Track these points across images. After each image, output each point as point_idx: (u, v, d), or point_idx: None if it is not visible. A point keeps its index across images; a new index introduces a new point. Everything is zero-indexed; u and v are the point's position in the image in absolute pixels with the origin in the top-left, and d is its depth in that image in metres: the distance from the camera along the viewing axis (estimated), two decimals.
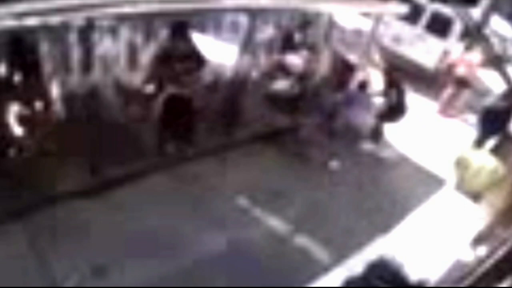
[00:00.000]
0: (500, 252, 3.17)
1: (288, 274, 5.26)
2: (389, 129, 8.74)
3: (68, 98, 5.79)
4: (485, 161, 7.31)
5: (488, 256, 3.32)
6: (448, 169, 7.81)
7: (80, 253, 4.88)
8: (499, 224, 5.84)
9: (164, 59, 6.49)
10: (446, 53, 11.62)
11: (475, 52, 10.39)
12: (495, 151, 7.59)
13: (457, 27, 11.37)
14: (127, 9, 4.99)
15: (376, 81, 8.65)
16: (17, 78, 5.45)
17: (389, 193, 7.24)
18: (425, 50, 11.80)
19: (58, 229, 5.07)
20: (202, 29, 7.68)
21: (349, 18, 9.58)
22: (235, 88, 7.18)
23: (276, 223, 6.08)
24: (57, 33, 5.28)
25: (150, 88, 6.61)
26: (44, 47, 5.43)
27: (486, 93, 10.04)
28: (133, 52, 6.61)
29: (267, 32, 8.26)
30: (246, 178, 6.71)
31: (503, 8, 12.37)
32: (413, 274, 4.91)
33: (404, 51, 12.04)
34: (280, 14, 8.23)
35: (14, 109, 5.41)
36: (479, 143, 8.23)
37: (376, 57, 9.10)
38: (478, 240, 5.62)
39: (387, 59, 9.22)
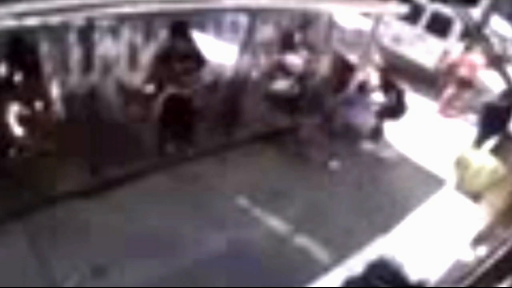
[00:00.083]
0: (500, 252, 3.17)
1: (288, 274, 5.26)
2: (389, 129, 8.74)
3: (68, 98, 5.79)
4: (485, 161, 7.31)
5: (488, 256, 3.32)
6: (448, 169, 7.82)
7: (80, 253, 4.88)
8: (499, 224, 5.83)
9: (164, 59, 6.48)
10: (446, 53, 11.63)
11: (477, 53, 10.38)
12: (495, 151, 7.58)
13: (457, 27, 11.37)
14: (127, 9, 4.98)
15: (376, 81, 8.64)
16: (17, 78, 5.45)
17: (389, 193, 7.24)
18: (425, 50, 11.80)
19: (58, 229, 5.07)
20: (202, 29, 7.67)
21: (349, 18, 9.57)
22: (235, 88, 7.18)
23: (276, 223, 6.08)
24: (57, 33, 5.28)
25: (150, 88, 6.61)
26: (44, 47, 5.43)
27: (486, 93, 10.03)
28: (133, 52, 6.60)
29: (267, 32, 8.25)
30: (246, 178, 6.71)
31: (503, 8, 12.37)
32: (413, 274, 4.91)
33: (404, 51, 12.05)
34: (280, 14, 8.22)
35: (14, 109, 5.41)
36: (479, 143, 8.23)
37: (376, 57, 9.10)
38: (478, 240, 5.62)
39: (387, 59, 9.22)
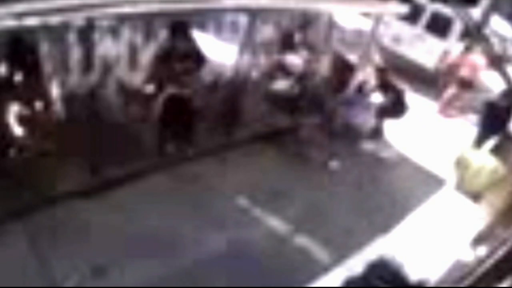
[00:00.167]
0: (500, 252, 3.17)
1: (288, 274, 5.25)
2: (389, 129, 8.74)
3: (68, 98, 5.79)
4: (485, 161, 7.31)
5: (488, 256, 3.31)
6: (448, 169, 7.81)
7: (80, 253, 4.88)
8: (499, 224, 5.83)
9: (164, 59, 6.48)
10: (446, 53, 11.62)
11: (478, 53, 10.38)
12: (495, 151, 7.58)
13: (457, 27, 11.37)
14: (127, 9, 4.98)
15: (375, 81, 8.65)
16: (17, 78, 5.45)
17: (389, 193, 7.24)
18: (425, 50, 11.80)
19: (58, 229, 5.07)
20: (202, 29, 7.68)
21: (349, 18, 9.57)
22: (235, 88, 7.18)
23: (276, 223, 6.08)
24: (57, 33, 5.28)
25: (150, 88, 6.61)
26: (44, 47, 5.43)
27: (486, 93, 10.03)
28: (133, 52, 6.60)
29: (267, 32, 8.26)
30: (246, 178, 6.71)
31: (503, 8, 12.37)
32: (413, 274, 4.90)
33: (404, 51, 12.05)
34: (280, 14, 8.23)
35: (14, 109, 5.42)
36: (479, 143, 8.23)
37: (376, 57, 9.10)
38: (478, 240, 5.61)
39: (387, 59, 9.22)
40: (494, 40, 10.82)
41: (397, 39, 12.05)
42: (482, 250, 4.77)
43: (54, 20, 4.43)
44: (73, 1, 4.58)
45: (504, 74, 7.88)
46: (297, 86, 8.42)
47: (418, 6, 11.35)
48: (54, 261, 4.73)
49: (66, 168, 5.58)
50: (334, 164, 7.62)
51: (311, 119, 8.42)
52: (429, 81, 11.35)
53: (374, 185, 7.41)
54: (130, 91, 6.61)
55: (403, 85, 8.51)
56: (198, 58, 6.79)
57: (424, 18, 11.82)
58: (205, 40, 7.43)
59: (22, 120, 5.43)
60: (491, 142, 7.92)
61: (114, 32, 6.03)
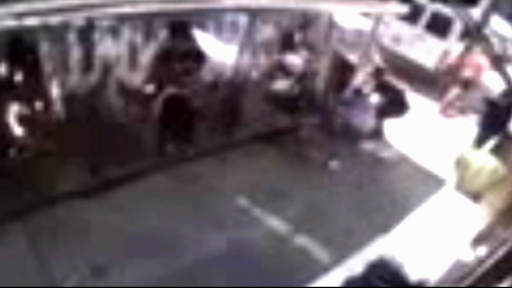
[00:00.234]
0: (500, 252, 3.17)
1: (288, 274, 5.25)
2: (389, 129, 8.74)
3: (68, 98, 5.79)
4: (485, 161, 7.31)
5: (488, 256, 3.32)
6: (448, 169, 7.81)
7: (80, 253, 4.88)
8: (499, 224, 5.83)
9: (164, 59, 6.48)
10: (446, 53, 11.62)
11: (480, 54, 10.39)
12: (495, 151, 7.59)
13: (457, 27, 11.36)
14: (127, 9, 4.99)
15: (373, 82, 8.66)
16: (17, 78, 5.45)
17: (389, 193, 7.24)
18: (425, 50, 11.79)
19: (58, 229, 5.07)
20: (202, 29, 7.68)
21: (349, 18, 9.57)
22: (235, 88, 7.18)
23: (276, 223, 6.08)
24: (57, 33, 5.28)
25: (150, 88, 6.61)
26: (44, 47, 5.43)
27: (486, 93, 10.03)
28: (133, 52, 6.60)
29: (267, 32, 8.26)
30: (246, 178, 6.71)
31: (503, 8, 12.36)
32: (413, 274, 4.90)
33: (404, 51, 12.04)
34: (280, 14, 8.23)
35: (14, 109, 5.42)
36: (479, 143, 8.23)
37: (376, 57, 9.10)
38: (478, 240, 5.61)
39: (387, 59, 9.22)
40: (494, 40, 10.82)
41: (397, 39, 12.04)
42: (482, 250, 4.77)
43: (54, 20, 4.44)
44: (73, 1, 4.58)
45: (504, 74, 7.89)
46: (297, 86, 8.42)
47: (418, 6, 11.35)
48: (54, 261, 4.73)
49: (66, 168, 5.58)
50: (334, 164, 7.62)
51: (311, 119, 8.42)
52: (429, 81, 11.34)
53: (374, 185, 7.41)
54: (130, 91, 6.61)
55: (403, 85, 8.51)
56: (198, 58, 6.79)
57: (424, 18, 11.82)
58: (205, 40, 7.43)
59: (22, 120, 5.43)
60: (491, 142, 7.93)
61: (114, 32, 6.02)
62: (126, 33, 6.35)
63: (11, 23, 4.17)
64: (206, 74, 7.35)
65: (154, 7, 5.19)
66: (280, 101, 8.28)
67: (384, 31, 10.66)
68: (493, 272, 3.08)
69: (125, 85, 6.61)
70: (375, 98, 8.31)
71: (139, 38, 6.62)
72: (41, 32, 5.02)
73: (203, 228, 5.62)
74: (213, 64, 7.37)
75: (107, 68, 6.03)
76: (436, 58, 11.73)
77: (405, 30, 11.99)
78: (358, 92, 8.56)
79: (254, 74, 7.94)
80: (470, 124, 9.85)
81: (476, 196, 7.17)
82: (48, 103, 5.64)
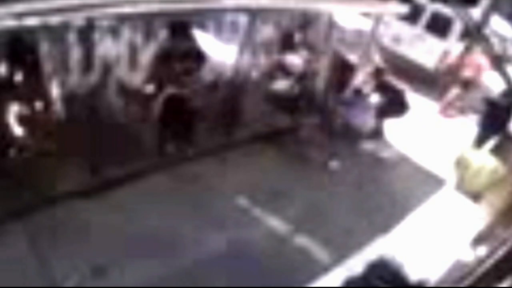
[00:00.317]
0: (500, 252, 3.17)
1: (288, 274, 5.26)
2: (389, 129, 8.74)
3: (68, 98, 5.79)
4: (485, 161, 7.31)
5: (488, 256, 3.32)
6: (448, 169, 7.81)
7: (80, 253, 4.88)
8: (499, 224, 5.83)
9: (164, 59, 6.48)
10: (446, 53, 11.62)
11: (481, 54, 10.40)
12: (495, 151, 7.59)
13: (457, 27, 11.37)
14: (127, 9, 4.98)
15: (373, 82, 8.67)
16: (17, 78, 5.44)
17: (389, 193, 7.24)
18: (425, 50, 11.80)
19: (58, 229, 5.07)
20: (202, 29, 7.68)
21: (349, 18, 9.57)
22: (235, 88, 7.18)
23: (276, 223, 6.08)
24: (57, 33, 5.28)
25: (150, 88, 6.61)
26: (44, 47, 5.43)
27: (487, 93, 10.04)
28: (133, 52, 6.61)
29: (267, 32, 8.26)
30: (246, 178, 6.71)
31: (503, 8, 12.36)
32: (413, 274, 4.90)
33: (404, 51, 12.04)
34: (280, 14, 8.23)
35: (14, 109, 5.41)
36: (479, 143, 8.23)
37: (376, 57, 9.10)
38: (478, 240, 5.61)
39: (387, 59, 9.22)
40: (494, 40, 10.82)
41: (397, 39, 12.05)
42: (482, 250, 4.77)
43: (54, 20, 4.43)
44: (73, 1, 4.58)
45: (504, 74, 7.89)
46: (297, 86, 8.42)
47: (418, 6, 11.35)
48: (54, 261, 4.73)
49: (66, 168, 5.58)
50: (334, 164, 7.62)
51: (311, 119, 8.42)
52: (429, 81, 11.35)
53: (374, 185, 7.42)
54: (130, 91, 6.61)
55: (403, 85, 8.52)
56: (198, 58, 6.79)
57: (424, 18, 11.82)
58: (205, 40, 7.43)
59: (22, 120, 5.43)
60: (491, 142, 7.93)
61: (114, 32, 6.03)
62: (126, 33, 6.36)
63: (11, 23, 4.17)
64: (206, 74, 7.34)
65: (154, 7, 5.19)
66: (280, 101, 8.28)
67: (384, 31, 10.66)
68: (493, 272, 3.08)
69: (125, 85, 6.61)
70: (375, 98, 8.31)
71: (139, 38, 6.62)
72: (41, 32, 5.02)
73: (203, 228, 5.62)
74: (213, 64, 7.37)
75: (107, 68, 6.04)
76: (436, 58, 11.73)
77: (405, 30, 12.00)
78: (358, 92, 8.57)
79: (254, 74, 7.94)
80: (470, 124, 9.86)
81: (476, 196, 7.17)
82: (48, 103, 5.64)
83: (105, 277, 4.73)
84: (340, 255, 5.68)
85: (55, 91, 5.78)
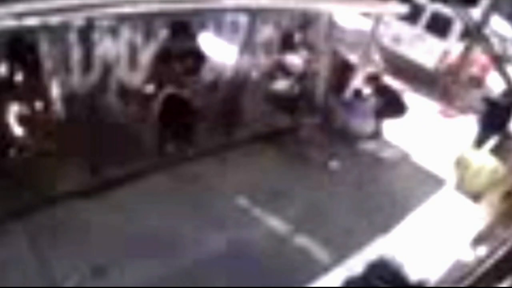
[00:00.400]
0: (500, 252, 3.17)
1: (288, 274, 5.25)
2: (389, 129, 8.74)
3: (68, 98, 5.79)
4: (485, 161, 7.31)
5: (488, 256, 3.32)
6: (448, 169, 7.81)
7: (80, 253, 4.88)
8: (499, 224, 5.83)
9: (164, 59, 6.48)
10: (446, 53, 11.63)
11: (483, 54, 10.42)
12: (495, 151, 7.58)
13: (457, 27, 11.37)
14: (127, 9, 4.99)
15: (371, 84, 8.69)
16: (17, 78, 5.44)
17: (389, 193, 7.24)
18: (425, 50, 11.80)
19: (58, 229, 5.07)
20: (202, 29, 7.67)
21: (349, 18, 9.58)
22: (235, 88, 7.18)
23: (276, 223, 6.08)
24: (57, 33, 5.28)
25: (150, 88, 6.61)
26: (44, 47, 5.43)
27: (486, 92, 10.05)
28: (133, 52, 6.60)
29: (267, 32, 8.26)
30: (246, 178, 6.71)
31: (503, 8, 12.36)
32: (413, 274, 4.90)
33: (404, 51, 12.05)
34: (280, 14, 8.23)
35: (14, 109, 5.41)
36: (479, 143, 8.23)
37: (376, 57, 9.11)
38: (478, 240, 5.61)
39: (387, 59, 9.23)
40: (494, 40, 10.83)
41: (397, 39, 12.05)
42: (482, 250, 4.78)
43: (54, 20, 4.43)
44: (73, 1, 4.58)
45: (504, 74, 7.89)
46: (297, 86, 8.42)
47: (418, 6, 11.36)
48: (54, 261, 4.73)
49: (66, 168, 5.58)
50: (334, 164, 7.61)
51: (311, 119, 8.42)
52: (429, 81, 11.35)
53: (374, 185, 7.41)
54: (130, 91, 6.61)
55: (401, 86, 8.53)
56: (198, 58, 6.79)
57: (424, 18, 11.83)
58: (205, 40, 7.43)
59: (22, 120, 5.43)
60: (491, 142, 7.93)
61: (114, 32, 6.03)
62: (126, 33, 6.35)
63: (11, 23, 4.17)
64: (206, 74, 7.34)
65: (154, 7, 5.19)
66: (280, 101, 8.29)
67: (384, 31, 10.67)
68: (493, 272, 3.08)
69: (125, 85, 6.61)
70: (373, 101, 8.33)
71: (139, 38, 6.62)
72: (41, 32, 5.02)
73: (203, 228, 5.62)
74: (213, 64, 7.37)
75: (107, 68, 6.04)
76: (436, 58, 11.74)
77: (405, 30, 12.00)
78: (357, 93, 8.58)
79: (254, 74, 7.94)
80: (470, 124, 9.86)
81: (476, 196, 7.16)
82: (48, 103, 5.64)
83: (105, 277, 4.72)
84: (340, 255, 5.68)
85: (55, 91, 5.77)
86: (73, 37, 5.36)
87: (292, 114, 8.30)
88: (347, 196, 6.98)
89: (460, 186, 7.46)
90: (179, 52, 6.68)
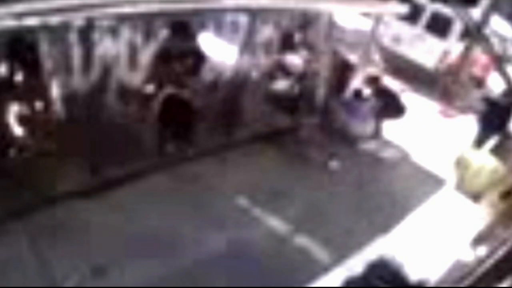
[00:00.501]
0: (500, 252, 3.18)
1: (288, 274, 5.25)
2: (389, 129, 8.74)
3: (68, 98, 5.78)
4: (485, 161, 7.31)
5: (488, 256, 3.32)
6: (448, 169, 7.81)
7: (80, 253, 4.88)
8: (499, 224, 5.83)
9: (164, 59, 6.48)
10: (446, 53, 11.63)
11: (485, 54, 10.43)
12: (495, 151, 7.59)
13: (457, 27, 11.38)
14: (127, 9, 4.99)
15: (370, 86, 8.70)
16: (17, 78, 5.44)
17: (389, 193, 7.24)
18: (425, 50, 11.81)
19: (58, 229, 5.07)
20: (202, 29, 7.67)
21: (349, 18, 9.58)
22: (235, 88, 7.18)
23: (276, 223, 6.08)
24: (57, 33, 5.28)
25: (150, 88, 6.61)
26: (44, 47, 5.43)
27: (486, 92, 10.05)
28: (133, 52, 6.60)
29: (267, 32, 8.26)
30: (246, 178, 6.71)
31: (503, 8, 12.37)
32: (413, 274, 4.91)
33: (404, 51, 12.06)
34: (280, 14, 8.22)
35: (14, 109, 5.41)
36: (479, 143, 8.23)
37: (376, 57, 9.11)
38: (478, 240, 5.61)
39: (387, 59, 9.23)
40: (494, 40, 10.83)
41: (397, 39, 12.05)
42: (482, 250, 4.77)
43: (54, 20, 4.43)
44: (73, 1, 4.57)
45: (504, 74, 7.90)
46: (297, 86, 8.42)
47: (418, 6, 11.37)
48: (54, 261, 4.73)
49: (66, 168, 5.58)
50: (334, 164, 7.61)
51: (311, 119, 8.42)
52: (429, 81, 11.35)
53: (374, 185, 7.42)
54: (130, 91, 6.61)
55: (401, 86, 8.54)
56: (198, 58, 6.79)
57: (424, 18, 11.83)
58: (205, 40, 7.43)
59: (22, 120, 5.43)
60: (491, 142, 7.93)
61: (114, 32, 6.02)
62: (126, 33, 6.35)
63: (11, 23, 4.17)
64: (206, 74, 7.34)
65: (154, 7, 5.19)
66: (280, 101, 8.28)
67: (384, 31, 10.67)
68: (493, 272, 3.08)
69: (125, 85, 6.60)
70: (373, 101, 8.34)
71: (139, 38, 6.61)
72: (41, 32, 5.01)
73: (203, 228, 5.62)
74: (213, 64, 7.37)
75: (107, 68, 6.03)
76: (436, 58, 11.74)
77: (405, 30, 12.01)
78: (357, 93, 8.58)
79: (254, 74, 7.93)
80: (470, 124, 9.86)
81: (476, 196, 7.16)
82: (48, 103, 5.63)
83: (105, 277, 4.72)
84: (340, 255, 5.68)
85: (55, 91, 5.77)
86: (73, 37, 5.36)
87: (292, 114, 8.30)
88: (347, 196, 6.98)
89: (460, 186, 7.46)
90: (179, 52, 6.67)
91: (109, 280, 4.71)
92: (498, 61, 8.59)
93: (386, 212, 6.71)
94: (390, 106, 8.36)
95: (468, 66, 10.75)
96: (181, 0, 5.54)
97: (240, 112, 7.42)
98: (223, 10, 6.65)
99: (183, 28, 6.74)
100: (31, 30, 4.56)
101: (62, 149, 5.45)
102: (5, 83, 5.40)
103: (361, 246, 5.85)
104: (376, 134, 8.64)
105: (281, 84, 8.41)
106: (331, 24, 8.40)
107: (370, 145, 8.45)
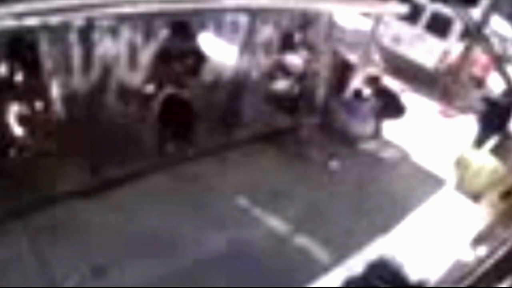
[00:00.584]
0: (500, 252, 3.18)
1: (288, 274, 5.25)
2: (389, 129, 8.74)
3: (68, 98, 5.78)
4: (485, 161, 7.31)
5: (488, 256, 3.32)
6: (448, 169, 7.82)
7: (80, 253, 4.87)
8: (499, 224, 5.83)
9: (164, 59, 6.48)
10: (446, 53, 11.63)
11: (485, 54, 10.44)
12: (495, 151, 7.59)
13: (457, 27, 11.38)
14: (127, 9, 4.99)
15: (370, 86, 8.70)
16: (17, 78, 5.44)
17: (389, 193, 7.24)
18: (425, 50, 11.81)
19: (58, 229, 5.07)
20: (202, 29, 7.67)
21: (349, 18, 9.58)
22: (235, 88, 7.18)
23: (276, 223, 6.08)
24: (57, 33, 5.28)
25: (150, 88, 6.61)
26: (44, 47, 5.43)
27: (486, 92, 10.06)
28: (133, 52, 6.60)
29: (267, 32, 8.26)
30: (246, 178, 6.71)
31: (503, 8, 12.37)
32: (413, 274, 4.91)
33: (404, 51, 12.06)
34: (280, 14, 8.23)
35: (14, 109, 5.41)
36: (479, 143, 8.23)
37: (376, 57, 9.11)
38: (478, 240, 5.61)
39: (387, 59, 9.24)
40: (494, 40, 10.83)
41: (397, 39, 12.05)
42: (482, 250, 4.77)
43: (54, 20, 4.43)
44: (73, 1, 4.57)
45: (504, 74, 7.90)
46: (297, 86, 8.42)
47: (418, 6, 11.37)
48: (54, 261, 4.73)
49: (66, 168, 5.58)
50: (334, 164, 7.62)
51: (311, 119, 8.42)
52: (429, 81, 11.36)
53: (374, 185, 7.41)
54: (130, 91, 6.61)
55: (401, 86, 8.55)
56: (198, 58, 6.79)
57: (424, 18, 11.83)
58: (205, 40, 7.43)
59: (22, 120, 5.43)
60: (491, 142, 7.93)
61: (114, 32, 6.02)
62: (126, 33, 6.35)
63: (11, 23, 4.17)
64: (206, 74, 7.34)
65: (154, 7, 5.19)
66: (280, 101, 8.29)
67: (384, 31, 10.67)
68: (493, 272, 3.08)
69: (125, 85, 6.60)
70: (373, 101, 8.35)
71: (139, 38, 6.61)
72: (41, 32, 5.01)
73: (203, 228, 5.62)
74: (213, 64, 7.37)
75: (107, 68, 6.03)
76: (436, 58, 11.75)
77: (405, 30, 12.01)
78: (357, 93, 8.58)
79: (254, 74, 7.93)
80: (470, 124, 9.86)
81: (476, 196, 7.17)
82: (48, 103, 5.63)
83: (105, 277, 4.72)
84: (340, 255, 5.68)
85: (55, 91, 5.77)
86: (73, 37, 5.36)
87: (292, 114, 8.30)
88: (347, 196, 6.98)
89: (460, 186, 7.46)
90: (179, 52, 6.67)
91: (109, 280, 4.71)
92: (498, 61, 8.59)
93: (386, 212, 6.71)
94: (390, 106, 8.38)
95: (468, 66, 10.76)
96: (181, 0, 5.54)
97: (240, 112, 7.42)
98: (223, 10, 6.65)
99: (183, 28, 6.74)
100: (31, 30, 4.56)
101: (62, 149, 5.45)
102: (5, 83, 5.40)
103: (361, 246, 5.85)
104: (376, 134, 8.65)
105: (281, 84, 8.41)
106: (331, 24, 8.40)
107: (370, 145, 8.45)
